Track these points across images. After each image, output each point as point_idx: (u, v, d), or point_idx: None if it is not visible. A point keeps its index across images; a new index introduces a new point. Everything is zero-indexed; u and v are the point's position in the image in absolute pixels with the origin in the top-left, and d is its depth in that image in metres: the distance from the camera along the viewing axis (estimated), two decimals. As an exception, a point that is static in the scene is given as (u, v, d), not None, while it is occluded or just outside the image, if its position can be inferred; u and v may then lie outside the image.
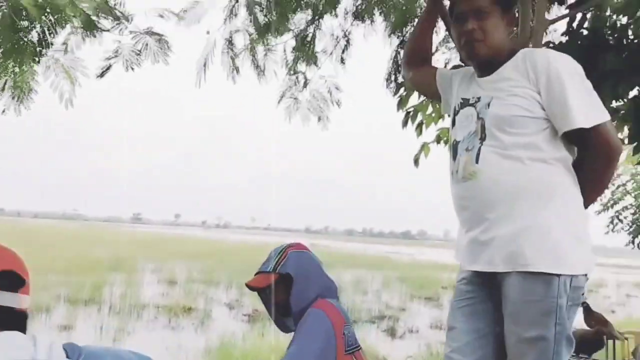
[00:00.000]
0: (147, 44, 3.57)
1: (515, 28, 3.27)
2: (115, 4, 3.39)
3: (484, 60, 1.89)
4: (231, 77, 4.16)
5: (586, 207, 1.82)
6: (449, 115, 2.08)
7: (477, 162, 1.80)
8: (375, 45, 4.63)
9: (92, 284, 14.72)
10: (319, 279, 2.08)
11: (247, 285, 2.07)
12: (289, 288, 2.00)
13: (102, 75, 3.65)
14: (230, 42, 4.12)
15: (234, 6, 4.00)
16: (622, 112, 4.40)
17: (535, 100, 1.75)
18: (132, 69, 3.49)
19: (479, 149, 1.80)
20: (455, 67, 4.32)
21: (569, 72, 1.77)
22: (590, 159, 1.78)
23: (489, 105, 1.82)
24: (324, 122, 5.37)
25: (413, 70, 2.35)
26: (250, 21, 4.03)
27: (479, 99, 1.87)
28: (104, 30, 3.36)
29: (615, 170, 1.86)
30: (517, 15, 1.94)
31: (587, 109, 1.72)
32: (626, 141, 4.70)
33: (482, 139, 1.80)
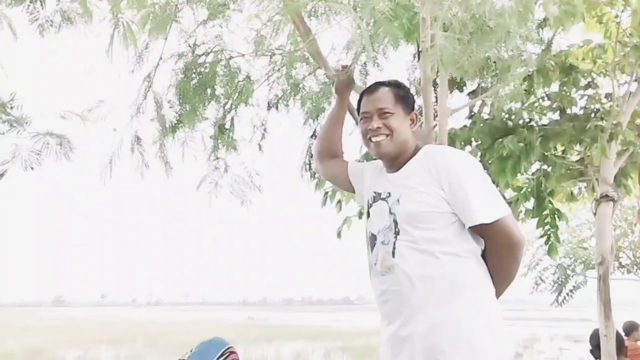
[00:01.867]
0: (47, 144, 3.47)
1: (420, 121, 3.45)
2: (12, 108, 3.29)
3: (391, 157, 1.95)
4: (140, 173, 4.08)
5: (497, 297, 1.86)
6: (361, 207, 2.11)
7: (393, 256, 1.82)
8: (293, 132, 4.75)
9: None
10: None
11: None
12: None
13: (-2, 178, 3.48)
14: (137, 138, 4.08)
15: (141, 103, 4.00)
16: (523, 190, 4.73)
17: (441, 197, 1.80)
18: (32, 168, 3.37)
19: (394, 243, 1.83)
20: (365, 155, 4.48)
21: (468, 170, 1.85)
22: (495, 252, 1.83)
23: (398, 201, 1.86)
24: (247, 205, 5.35)
25: (324, 165, 2.39)
26: (156, 119, 4.02)
27: (389, 194, 1.91)
28: (-1, 134, 3.24)
29: (520, 261, 1.91)
30: (417, 115, 2.03)
31: (487, 204, 1.79)
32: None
33: (397, 233, 1.84)
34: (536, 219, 5.00)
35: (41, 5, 3.92)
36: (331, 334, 32.48)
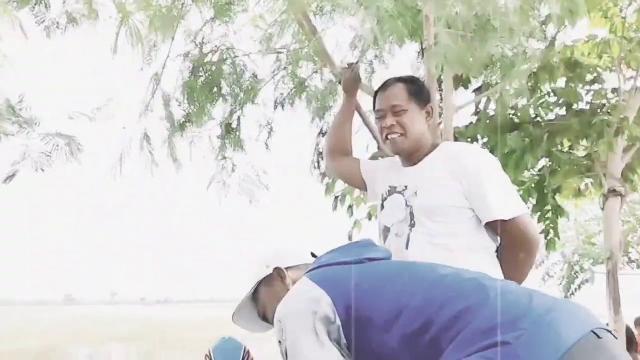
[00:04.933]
0: (57, 145, 3.52)
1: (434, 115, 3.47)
2: (21, 109, 3.35)
3: (407, 153, 1.96)
4: (150, 170, 4.12)
5: None
6: (371, 208, 2.13)
7: (407, 247, 1.83)
8: (300, 130, 4.78)
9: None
10: None
11: None
12: None
13: (8, 180, 3.53)
14: (146, 136, 4.12)
15: (149, 102, 4.03)
16: (526, 185, 4.74)
17: (459, 191, 1.81)
18: (42, 170, 3.42)
19: (408, 235, 1.84)
20: (375, 154, 4.51)
21: (487, 166, 1.86)
22: (510, 249, 1.83)
23: (416, 194, 1.87)
24: (255, 204, 5.40)
25: (335, 163, 2.40)
26: (165, 118, 4.06)
27: (405, 187, 1.92)
28: (9, 135, 3.30)
29: (534, 260, 1.91)
30: (433, 108, 2.03)
31: (505, 201, 1.80)
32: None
33: (412, 225, 1.84)
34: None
35: (46, 7, 3.96)
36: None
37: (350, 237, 5.40)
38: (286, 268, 1.50)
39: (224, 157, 4.95)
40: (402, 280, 1.29)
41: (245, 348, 2.08)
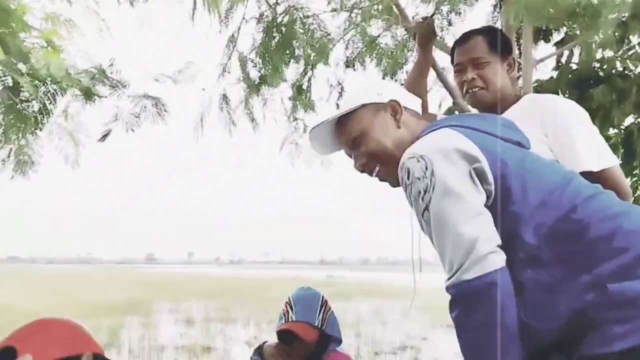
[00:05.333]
0: (145, 107, 3.73)
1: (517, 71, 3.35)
2: (112, 72, 3.56)
3: (489, 106, 1.89)
4: (228, 130, 4.28)
5: None
6: None
7: None
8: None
9: (109, 327, 14.65)
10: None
11: (289, 331, 2.03)
12: (323, 345, 2.01)
13: (103, 139, 3.82)
14: (225, 97, 4.25)
15: (226, 63, 4.15)
16: (612, 140, 4.47)
17: (544, 143, 1.73)
18: (132, 130, 3.66)
19: None
20: (450, 109, 4.42)
21: (575, 117, 1.76)
22: None
23: None
24: (326, 164, 5.49)
25: None
26: (242, 79, 4.17)
27: None
28: (102, 97, 3.53)
29: None
30: (515, 59, 1.96)
31: (595, 152, 1.71)
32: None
33: None
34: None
35: None
36: (410, 293, 32.43)
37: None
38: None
39: (296, 119, 5.05)
40: (561, 177, 1.18)
41: (323, 296, 2.13)
